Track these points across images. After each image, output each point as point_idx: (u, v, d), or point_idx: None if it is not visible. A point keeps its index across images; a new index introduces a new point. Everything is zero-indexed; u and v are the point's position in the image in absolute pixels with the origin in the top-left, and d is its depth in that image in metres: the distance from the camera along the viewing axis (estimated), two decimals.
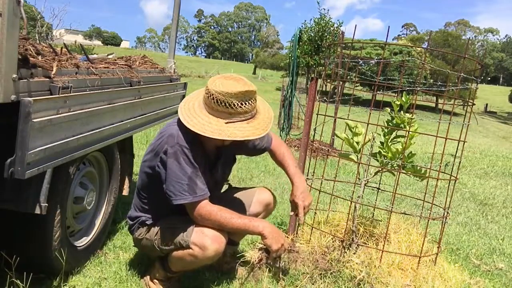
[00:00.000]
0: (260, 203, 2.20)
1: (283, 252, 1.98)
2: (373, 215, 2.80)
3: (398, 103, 2.33)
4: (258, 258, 2.10)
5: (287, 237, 2.53)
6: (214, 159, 2.00)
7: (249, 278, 2.12)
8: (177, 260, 1.87)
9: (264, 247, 2.01)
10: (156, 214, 1.96)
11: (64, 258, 1.86)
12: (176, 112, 3.09)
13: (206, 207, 1.80)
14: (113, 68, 2.20)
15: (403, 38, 66.25)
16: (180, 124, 1.81)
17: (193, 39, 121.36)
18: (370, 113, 2.35)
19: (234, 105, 1.72)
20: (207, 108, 1.77)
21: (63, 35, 23.76)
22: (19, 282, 1.68)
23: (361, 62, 2.83)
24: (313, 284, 2.12)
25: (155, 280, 2.00)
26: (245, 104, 1.74)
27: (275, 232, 1.87)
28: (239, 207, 2.10)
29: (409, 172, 2.33)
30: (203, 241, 1.78)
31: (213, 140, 1.78)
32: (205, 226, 1.81)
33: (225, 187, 2.30)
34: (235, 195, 2.22)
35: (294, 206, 2.08)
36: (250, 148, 2.13)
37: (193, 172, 1.77)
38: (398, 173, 2.36)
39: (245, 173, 4.68)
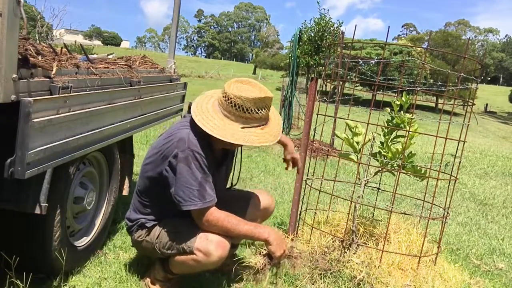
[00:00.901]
0: (259, 206, 2.19)
1: (285, 258, 1.99)
2: (373, 215, 2.80)
3: (398, 103, 2.33)
4: (262, 263, 2.10)
5: (287, 237, 2.54)
6: (221, 160, 2.00)
7: (249, 279, 2.12)
8: (179, 264, 1.86)
9: (267, 252, 2.01)
10: (157, 217, 1.94)
11: (64, 258, 1.85)
12: (177, 112, 3.13)
13: (214, 213, 1.79)
14: (113, 68, 2.20)
15: (403, 38, 66.24)
16: (192, 127, 1.78)
17: (193, 39, 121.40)
18: (370, 113, 2.35)
19: (250, 110, 1.73)
20: (222, 111, 1.77)
21: (63, 35, 23.76)
22: (19, 282, 1.68)
23: (361, 62, 2.83)
24: (313, 284, 2.12)
25: (156, 281, 1.99)
26: (261, 111, 1.76)
27: (279, 239, 1.88)
28: (238, 210, 2.08)
29: (409, 172, 2.33)
30: (208, 247, 1.76)
31: (223, 141, 1.75)
32: (210, 231, 1.80)
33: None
34: (233, 197, 2.19)
35: (293, 161, 2.29)
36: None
37: (203, 177, 1.75)
38: (398, 173, 2.36)
39: (245, 173, 4.68)
